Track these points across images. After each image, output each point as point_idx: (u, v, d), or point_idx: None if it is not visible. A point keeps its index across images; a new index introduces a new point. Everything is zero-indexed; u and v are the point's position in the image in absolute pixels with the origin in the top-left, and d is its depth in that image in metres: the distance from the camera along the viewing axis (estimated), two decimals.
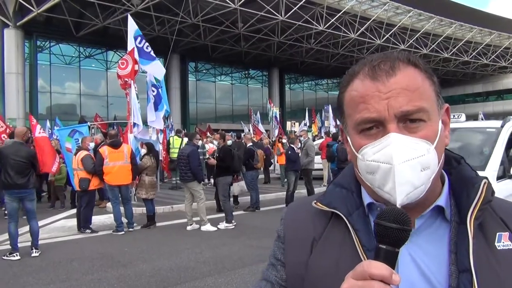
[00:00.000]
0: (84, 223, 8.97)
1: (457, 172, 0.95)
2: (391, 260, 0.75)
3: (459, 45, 35.93)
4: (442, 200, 0.90)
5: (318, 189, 14.09)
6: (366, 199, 0.94)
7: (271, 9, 25.16)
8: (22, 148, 7.21)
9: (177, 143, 14.77)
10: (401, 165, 0.82)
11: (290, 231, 1.02)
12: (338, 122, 24.90)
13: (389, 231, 0.75)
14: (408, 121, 0.85)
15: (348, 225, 0.92)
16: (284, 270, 0.99)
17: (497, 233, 0.87)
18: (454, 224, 0.88)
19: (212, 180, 14.90)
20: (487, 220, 0.88)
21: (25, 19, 24.37)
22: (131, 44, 12.08)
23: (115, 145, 9.14)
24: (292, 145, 11.99)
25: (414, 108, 0.84)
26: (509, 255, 0.85)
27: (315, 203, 0.99)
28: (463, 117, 6.10)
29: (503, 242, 0.86)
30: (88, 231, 8.88)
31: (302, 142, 13.56)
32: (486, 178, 0.91)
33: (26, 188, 7.07)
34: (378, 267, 0.72)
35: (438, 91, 0.90)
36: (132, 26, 12.34)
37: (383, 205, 0.87)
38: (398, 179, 0.82)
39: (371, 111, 0.85)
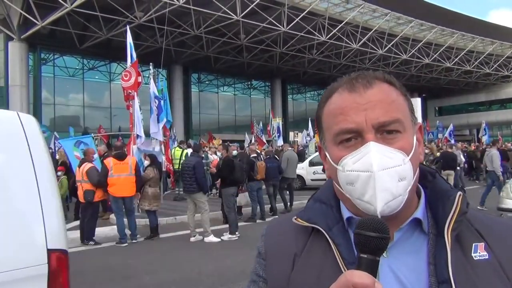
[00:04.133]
0: (87, 235, 8.96)
1: (433, 185, 0.97)
2: (372, 269, 0.76)
3: (461, 54, 36.00)
4: (419, 213, 0.92)
5: None
6: (345, 213, 0.96)
7: (273, 21, 25.31)
8: None
9: (178, 154, 14.79)
10: (380, 172, 0.84)
11: (271, 247, 1.03)
12: None
13: (368, 240, 0.77)
14: (385, 132, 0.88)
15: (329, 239, 0.93)
16: (266, 286, 1.01)
17: (473, 244, 0.89)
18: (431, 236, 0.90)
19: (214, 191, 14.94)
20: (464, 231, 0.90)
21: (29, 32, 24.57)
22: (131, 56, 12.14)
23: (120, 156, 9.15)
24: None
25: (391, 119, 0.87)
26: (485, 265, 0.87)
27: (295, 218, 1.00)
28: None
29: (479, 253, 0.88)
30: (91, 243, 8.87)
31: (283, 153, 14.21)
32: (461, 190, 0.93)
33: None
34: (361, 276, 0.73)
35: (411, 108, 0.94)
36: (129, 39, 12.40)
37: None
38: (378, 185, 0.84)
39: (349, 121, 0.88)
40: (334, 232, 0.94)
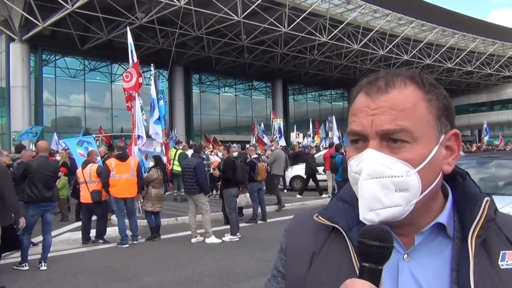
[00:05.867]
0: (97, 234, 9.09)
1: (461, 188, 0.93)
2: (374, 278, 0.76)
3: (462, 55, 35.97)
4: (443, 217, 0.89)
5: (320, 201, 14.07)
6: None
7: (274, 21, 25.32)
8: (49, 162, 7.44)
9: (172, 154, 14.79)
10: (368, 181, 0.83)
11: (292, 243, 1.02)
12: (340, 133, 24.92)
13: (371, 249, 0.77)
14: (391, 140, 0.84)
15: (347, 240, 0.91)
16: (284, 282, 1.00)
17: (501, 252, 0.85)
18: (456, 242, 0.87)
19: (214, 192, 14.95)
20: (492, 237, 0.87)
21: (31, 33, 24.65)
22: (131, 56, 12.14)
23: (122, 157, 9.15)
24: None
25: (397, 127, 0.83)
26: None
27: (316, 216, 0.99)
28: None
29: (506, 261, 0.84)
30: (100, 241, 8.95)
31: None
32: (489, 195, 0.89)
33: (52, 201, 7.30)
34: (361, 286, 0.73)
35: (440, 115, 0.88)
36: (130, 40, 12.41)
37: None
38: (362, 193, 0.84)
39: (357, 124, 0.88)
40: (353, 233, 0.91)
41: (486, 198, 0.88)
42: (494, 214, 0.87)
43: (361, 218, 0.84)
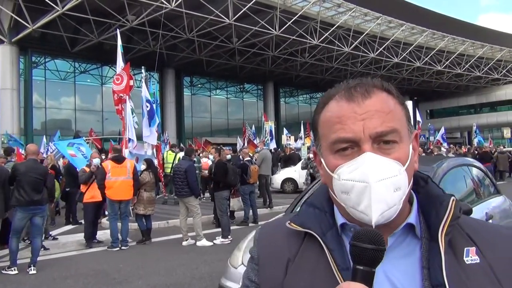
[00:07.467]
0: (84, 236, 9.14)
1: (425, 191, 0.98)
2: (368, 280, 0.77)
3: (452, 58, 36.28)
4: (412, 218, 0.93)
5: None
6: (339, 219, 0.96)
7: (265, 24, 25.37)
8: (37, 165, 7.41)
9: (171, 158, 14.73)
10: (377, 184, 0.84)
11: (264, 252, 1.02)
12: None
13: (365, 252, 0.78)
14: (382, 142, 0.88)
15: (323, 245, 0.93)
16: None
17: (465, 248, 0.91)
18: (424, 241, 0.91)
19: (206, 194, 14.91)
20: (456, 236, 0.91)
21: (20, 35, 24.43)
22: (121, 59, 12.10)
23: (118, 160, 9.14)
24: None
25: (388, 129, 0.87)
26: (477, 269, 0.88)
27: (288, 223, 1.00)
28: None
29: (471, 257, 0.90)
30: (87, 245, 9.02)
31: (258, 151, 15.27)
32: (454, 196, 0.95)
33: (41, 205, 7.23)
34: None
35: (408, 117, 0.95)
36: (119, 43, 12.38)
37: (357, 226, 0.89)
38: (374, 197, 0.84)
39: (347, 131, 0.88)
40: (328, 238, 0.93)
41: (452, 198, 0.93)
42: (459, 213, 0.92)
43: (373, 223, 0.84)
